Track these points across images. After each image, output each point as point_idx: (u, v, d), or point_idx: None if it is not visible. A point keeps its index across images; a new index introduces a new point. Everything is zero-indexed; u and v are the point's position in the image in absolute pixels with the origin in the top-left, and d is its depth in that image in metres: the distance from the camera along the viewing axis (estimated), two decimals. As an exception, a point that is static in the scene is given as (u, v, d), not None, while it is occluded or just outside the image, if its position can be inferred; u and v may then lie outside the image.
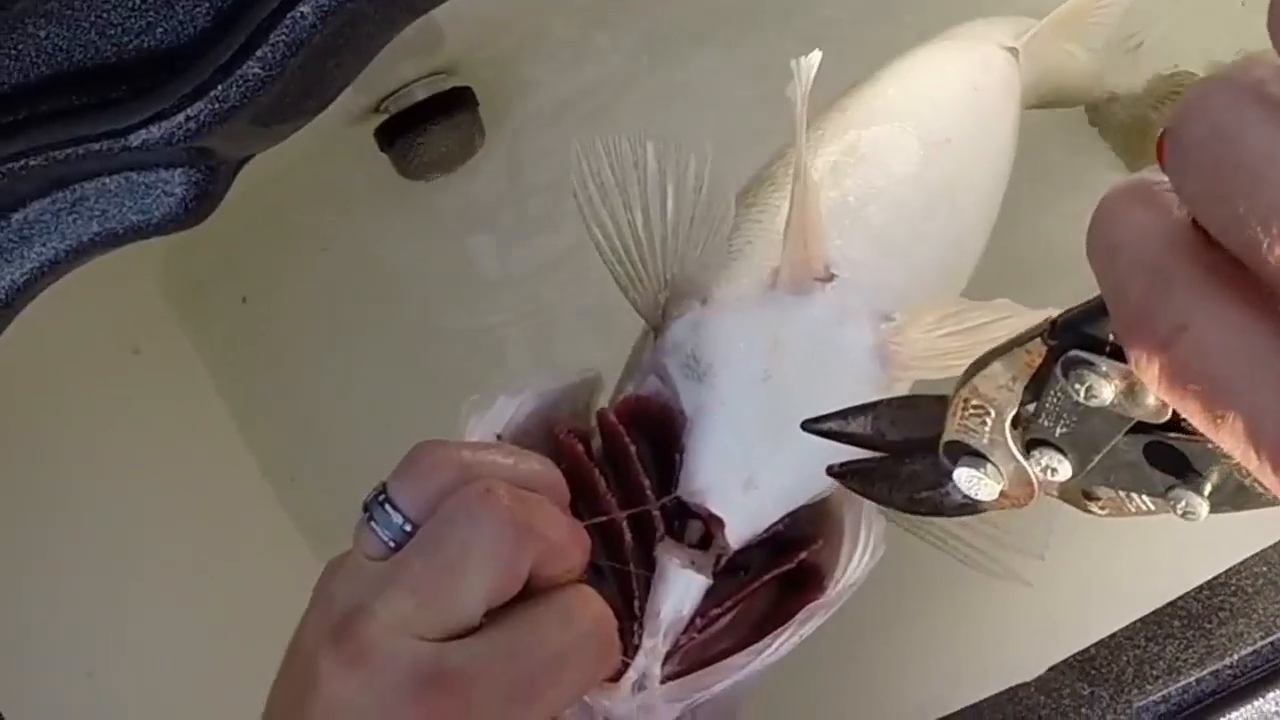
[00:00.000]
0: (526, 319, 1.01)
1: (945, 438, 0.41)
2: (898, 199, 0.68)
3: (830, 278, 0.62)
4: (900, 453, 0.46)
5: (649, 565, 0.57)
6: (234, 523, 0.96)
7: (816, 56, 0.59)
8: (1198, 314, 0.28)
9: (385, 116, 0.95)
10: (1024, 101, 0.81)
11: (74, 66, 0.56)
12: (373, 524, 0.50)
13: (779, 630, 0.55)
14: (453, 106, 0.96)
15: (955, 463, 0.41)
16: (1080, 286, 0.34)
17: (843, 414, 0.48)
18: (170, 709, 0.78)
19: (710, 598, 0.57)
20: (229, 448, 1.00)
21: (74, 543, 0.79)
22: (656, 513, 0.57)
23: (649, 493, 0.57)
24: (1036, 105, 0.86)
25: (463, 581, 0.47)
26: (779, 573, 0.58)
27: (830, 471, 0.48)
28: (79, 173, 0.58)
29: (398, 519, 0.50)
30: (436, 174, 0.97)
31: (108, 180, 0.60)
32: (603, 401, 0.65)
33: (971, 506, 0.42)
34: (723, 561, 0.58)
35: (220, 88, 0.56)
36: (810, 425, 0.48)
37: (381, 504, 0.50)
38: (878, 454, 0.47)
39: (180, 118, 0.56)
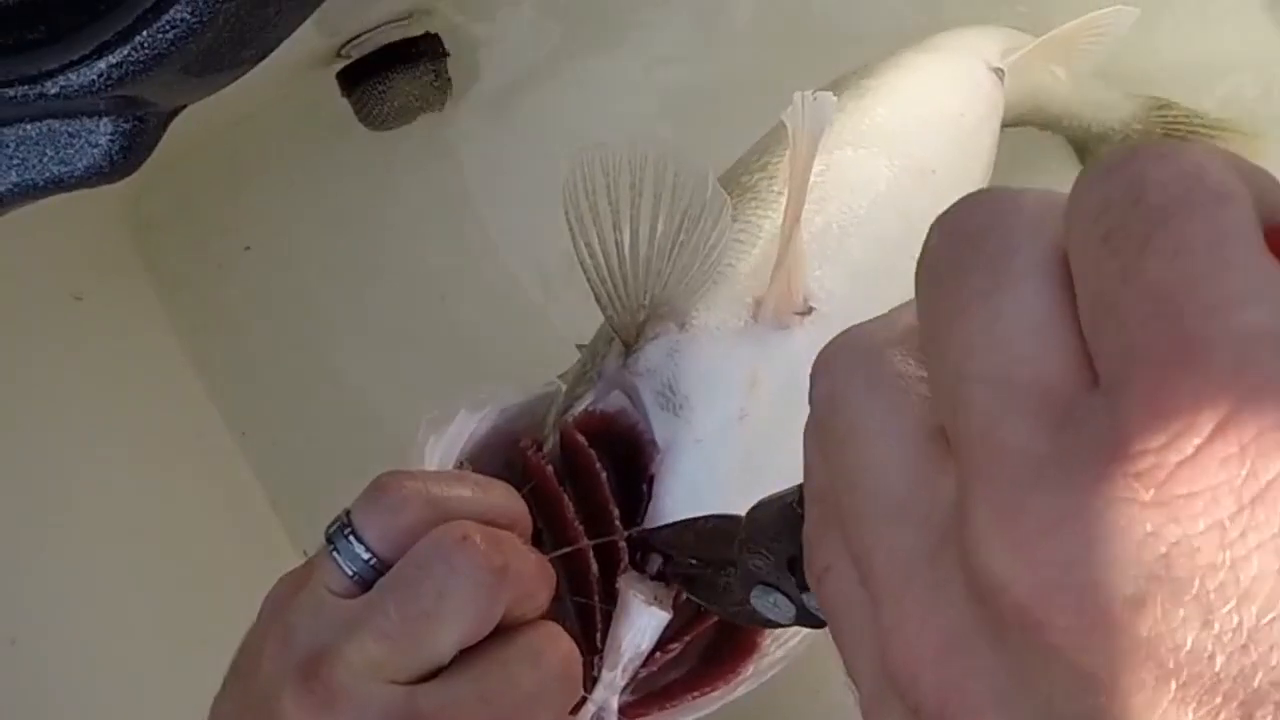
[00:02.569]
0: (484, 273, 0.97)
1: (739, 565, 0.43)
2: (879, 231, 0.66)
3: (809, 310, 0.61)
4: (719, 566, 0.47)
5: (609, 596, 0.57)
6: (182, 478, 0.93)
7: (831, 101, 0.58)
8: (840, 559, 0.28)
9: (347, 61, 0.91)
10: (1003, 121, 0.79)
11: (-12, 4, 0.52)
12: (336, 555, 0.49)
13: (739, 677, 0.58)
14: (418, 54, 0.92)
15: (750, 588, 0.43)
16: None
17: (676, 525, 0.51)
18: (104, 680, 0.75)
19: (666, 629, 0.57)
20: (186, 397, 0.97)
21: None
22: (622, 543, 0.57)
23: (616, 524, 0.57)
24: (1012, 124, 0.83)
25: (438, 629, 0.47)
26: None
27: (663, 574, 0.51)
28: (-6, 119, 0.55)
29: (364, 553, 0.49)
30: (397, 124, 0.93)
31: (28, 127, 0.56)
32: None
33: (777, 624, 0.43)
34: (683, 597, 0.57)
35: (145, 33, 0.52)
36: (648, 533, 0.52)
37: (346, 536, 0.49)
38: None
39: (102, 65, 0.52)
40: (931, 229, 0.26)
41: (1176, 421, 0.20)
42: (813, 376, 0.29)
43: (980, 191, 0.26)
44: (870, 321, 0.29)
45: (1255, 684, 0.20)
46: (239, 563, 0.89)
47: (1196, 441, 0.20)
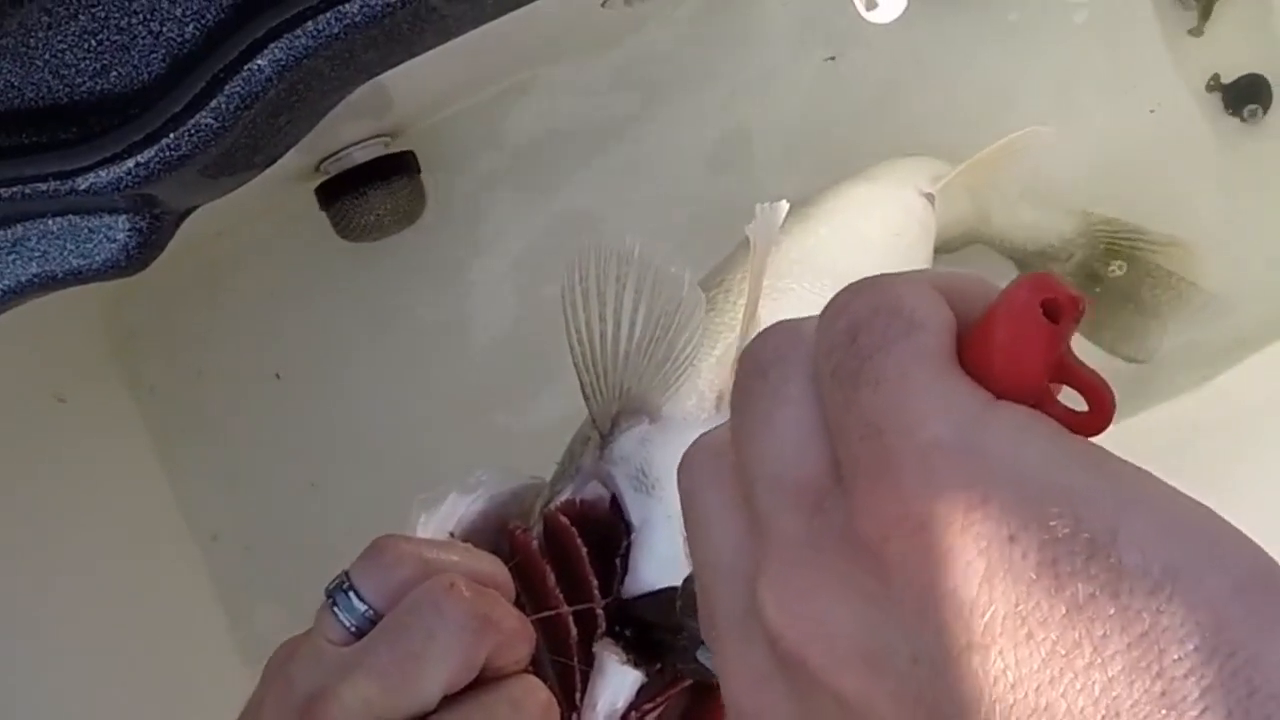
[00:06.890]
0: (455, 386, 1.01)
1: (686, 628, 0.49)
2: None
3: None
4: (675, 630, 0.54)
5: (587, 659, 0.60)
6: (153, 579, 0.94)
7: (784, 208, 0.65)
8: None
9: (325, 177, 0.96)
10: (937, 243, 0.87)
11: (25, 105, 0.56)
12: (335, 610, 0.52)
13: None
14: (393, 171, 0.96)
15: (696, 647, 0.49)
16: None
17: (648, 595, 0.59)
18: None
19: (642, 692, 0.60)
20: (155, 502, 0.99)
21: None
22: (599, 611, 0.61)
23: (595, 592, 0.61)
24: (948, 249, 0.91)
25: (426, 669, 0.50)
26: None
27: (630, 641, 0.57)
28: (22, 212, 0.58)
29: (361, 606, 0.52)
30: (374, 237, 0.97)
31: (50, 222, 0.60)
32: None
33: None
34: (657, 663, 0.61)
35: (172, 136, 0.56)
36: (625, 602, 0.59)
37: (345, 591, 0.53)
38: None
39: (130, 164, 0.56)
40: (739, 359, 0.35)
41: (882, 517, 0.28)
42: (677, 476, 0.36)
43: (771, 327, 0.35)
44: (714, 429, 0.36)
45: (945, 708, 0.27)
46: (188, 666, 0.90)
47: (897, 531, 0.28)
